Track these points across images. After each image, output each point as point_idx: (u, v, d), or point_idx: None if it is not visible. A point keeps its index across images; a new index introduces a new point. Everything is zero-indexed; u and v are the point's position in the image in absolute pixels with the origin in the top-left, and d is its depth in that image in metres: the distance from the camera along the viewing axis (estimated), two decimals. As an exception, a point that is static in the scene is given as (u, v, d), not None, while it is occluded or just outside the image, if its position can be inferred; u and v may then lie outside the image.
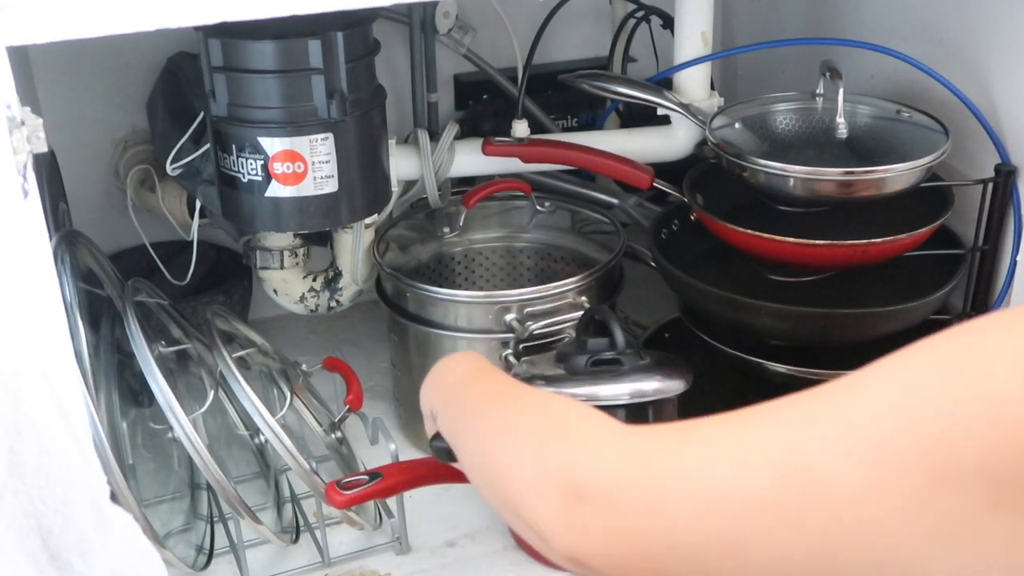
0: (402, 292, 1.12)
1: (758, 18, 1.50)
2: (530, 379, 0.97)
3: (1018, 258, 1.07)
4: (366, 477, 0.92)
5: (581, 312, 1.07)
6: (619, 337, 0.96)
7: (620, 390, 0.94)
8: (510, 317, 1.06)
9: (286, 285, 1.22)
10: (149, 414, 0.98)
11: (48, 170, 1.03)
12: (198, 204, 1.13)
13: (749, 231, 1.05)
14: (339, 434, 1.10)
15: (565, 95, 1.39)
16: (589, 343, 0.97)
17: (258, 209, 1.05)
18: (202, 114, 1.07)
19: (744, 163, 1.06)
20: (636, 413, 0.95)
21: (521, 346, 1.06)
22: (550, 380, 0.96)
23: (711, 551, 0.46)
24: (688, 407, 0.97)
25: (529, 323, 1.05)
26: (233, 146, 1.02)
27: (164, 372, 0.88)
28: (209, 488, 1.02)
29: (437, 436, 0.92)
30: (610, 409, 0.88)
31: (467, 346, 1.08)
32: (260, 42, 0.98)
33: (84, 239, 1.00)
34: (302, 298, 1.23)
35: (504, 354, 1.06)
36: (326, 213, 1.06)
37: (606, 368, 0.96)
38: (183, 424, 0.88)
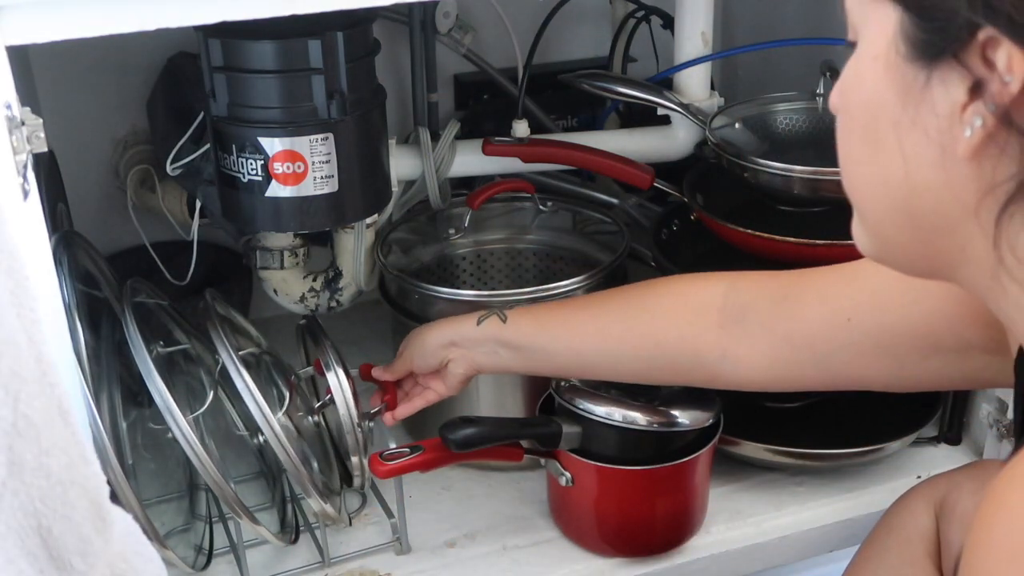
0: (407, 293, 1.12)
1: (758, 18, 1.50)
2: (570, 390, 0.98)
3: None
4: (407, 450, 0.96)
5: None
6: None
7: (649, 418, 0.95)
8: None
9: (286, 285, 1.22)
10: (149, 414, 0.98)
11: (47, 170, 1.02)
12: (198, 204, 1.13)
13: (749, 231, 1.05)
14: (317, 418, 1.10)
15: (565, 95, 1.39)
16: None
17: (258, 209, 1.05)
18: (202, 114, 1.07)
19: (744, 163, 1.06)
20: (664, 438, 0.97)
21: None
22: (589, 395, 0.97)
23: None
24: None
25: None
26: (233, 146, 1.02)
27: (162, 373, 0.88)
28: (208, 488, 1.02)
29: (446, 426, 0.94)
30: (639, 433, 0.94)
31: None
32: (260, 42, 0.98)
33: (81, 240, 1.00)
34: (302, 298, 1.23)
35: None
36: (326, 213, 1.06)
37: (644, 390, 0.98)
38: (180, 425, 0.87)
